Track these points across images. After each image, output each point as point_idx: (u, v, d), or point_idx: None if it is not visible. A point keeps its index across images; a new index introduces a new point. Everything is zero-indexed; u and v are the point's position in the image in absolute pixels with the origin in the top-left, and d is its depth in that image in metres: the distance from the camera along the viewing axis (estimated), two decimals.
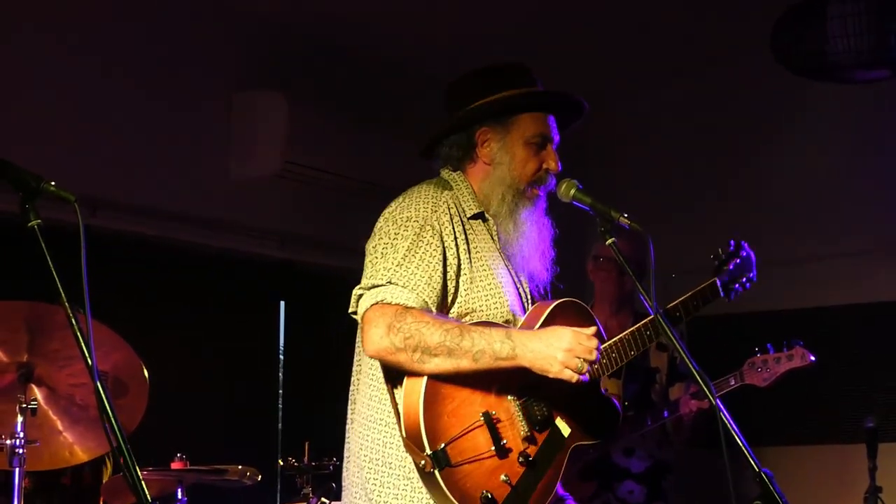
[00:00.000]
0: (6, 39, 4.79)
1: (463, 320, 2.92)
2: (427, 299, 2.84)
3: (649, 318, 3.09)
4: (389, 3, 5.88)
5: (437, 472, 2.75)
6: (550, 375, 2.82)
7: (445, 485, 2.75)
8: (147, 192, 5.31)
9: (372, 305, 2.81)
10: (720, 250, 3.51)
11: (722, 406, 2.60)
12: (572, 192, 3.02)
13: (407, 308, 2.79)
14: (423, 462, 2.76)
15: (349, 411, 3.09)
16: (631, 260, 3.53)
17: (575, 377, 2.81)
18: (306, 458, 4.47)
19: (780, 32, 5.33)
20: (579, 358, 2.80)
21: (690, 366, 2.68)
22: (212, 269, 5.77)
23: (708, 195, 7.15)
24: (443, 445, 2.76)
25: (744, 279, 3.48)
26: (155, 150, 5.32)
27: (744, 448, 2.53)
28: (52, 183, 2.29)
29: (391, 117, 6.05)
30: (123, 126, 5.20)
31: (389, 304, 2.79)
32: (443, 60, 5.02)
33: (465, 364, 2.78)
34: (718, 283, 3.41)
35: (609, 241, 2.94)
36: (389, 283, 2.83)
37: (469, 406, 2.85)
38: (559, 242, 3.20)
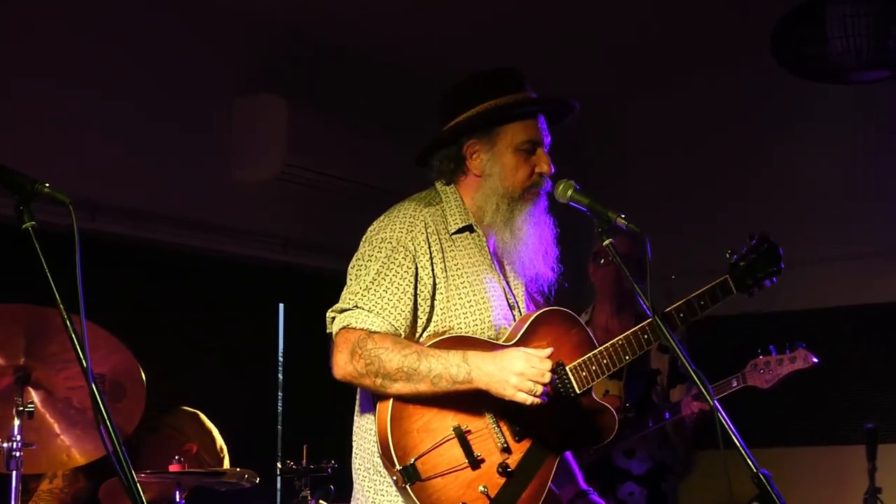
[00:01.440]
0: (4, 40, 4.78)
1: (441, 338, 2.92)
2: (394, 322, 2.87)
3: (647, 322, 3.03)
4: (390, 7, 5.87)
5: (408, 486, 2.80)
6: (505, 398, 2.83)
7: (417, 498, 2.80)
8: (147, 196, 5.30)
9: (340, 330, 2.87)
10: (742, 246, 3.24)
11: (720, 407, 2.59)
12: (569, 192, 3.00)
13: (370, 333, 2.83)
14: (395, 477, 2.82)
15: None
16: (632, 260, 3.48)
17: (529, 399, 2.81)
18: (305, 460, 4.46)
19: (781, 34, 5.33)
20: (532, 381, 2.80)
21: (688, 366, 2.67)
22: (211, 272, 5.76)
23: (710, 198, 7.14)
24: (412, 461, 2.80)
25: (764, 273, 3.21)
26: (155, 154, 5.31)
27: (741, 449, 2.52)
28: (47, 185, 2.29)
29: (392, 120, 6.04)
30: (124, 129, 5.18)
31: (354, 328, 2.85)
32: (444, 63, 5.02)
33: (423, 388, 2.81)
34: (731, 280, 3.16)
35: (606, 241, 2.92)
36: (356, 307, 2.87)
37: (440, 421, 2.87)
38: (559, 242, 3.19)
